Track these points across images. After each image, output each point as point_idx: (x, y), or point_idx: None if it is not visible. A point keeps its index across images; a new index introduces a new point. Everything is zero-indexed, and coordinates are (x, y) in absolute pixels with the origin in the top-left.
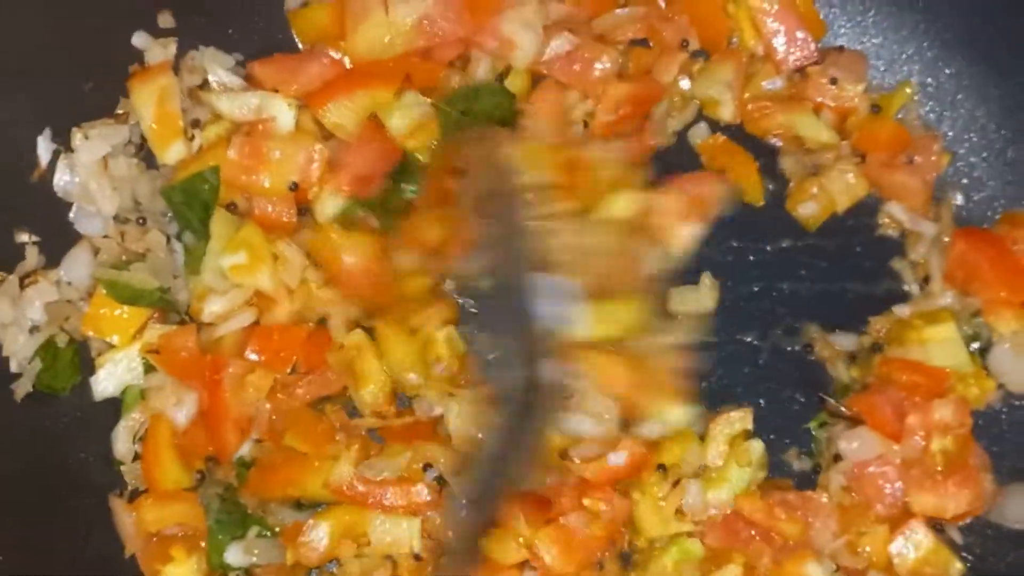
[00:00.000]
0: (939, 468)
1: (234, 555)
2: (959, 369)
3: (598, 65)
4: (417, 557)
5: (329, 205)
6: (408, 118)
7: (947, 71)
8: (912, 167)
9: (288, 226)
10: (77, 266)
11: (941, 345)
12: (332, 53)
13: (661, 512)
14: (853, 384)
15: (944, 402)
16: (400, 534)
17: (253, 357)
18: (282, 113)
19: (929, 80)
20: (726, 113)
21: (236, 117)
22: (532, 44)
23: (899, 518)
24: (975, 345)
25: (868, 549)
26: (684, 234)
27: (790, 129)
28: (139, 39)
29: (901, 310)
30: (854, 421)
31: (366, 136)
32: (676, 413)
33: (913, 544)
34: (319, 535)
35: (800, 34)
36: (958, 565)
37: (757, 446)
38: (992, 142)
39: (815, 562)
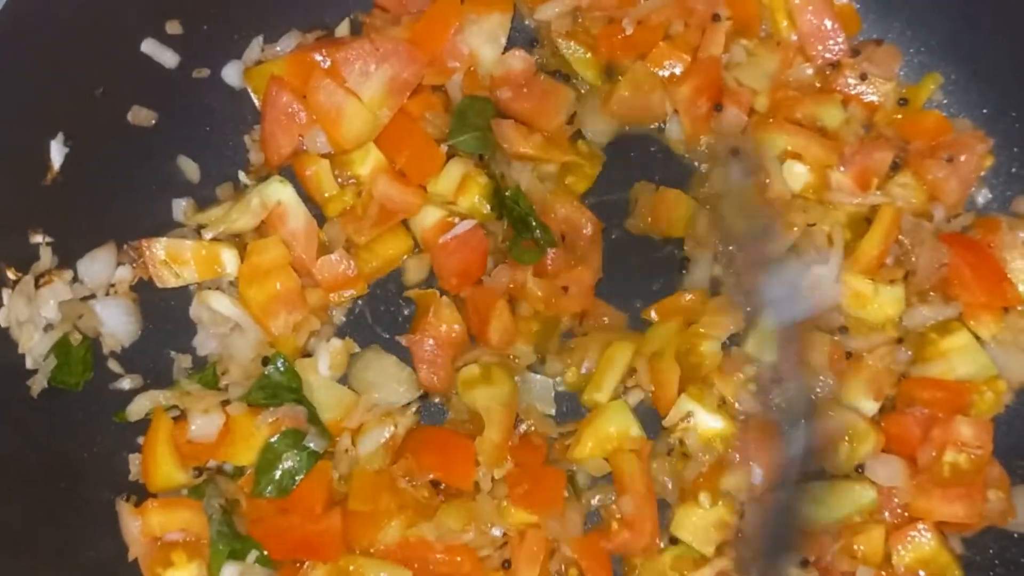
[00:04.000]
0: (946, 477)
1: (229, 575)
2: (982, 373)
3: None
4: None
5: None
6: (446, 185)
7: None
8: (952, 165)
9: None
10: (97, 265)
11: (961, 353)
12: None
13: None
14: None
15: (967, 420)
16: None
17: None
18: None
19: (917, 78)
20: (760, 104)
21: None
22: (493, 54)
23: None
24: None
25: (862, 548)
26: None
27: (815, 120)
28: (148, 46)
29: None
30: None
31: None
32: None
33: (918, 544)
34: None
35: (834, 28)
36: (957, 573)
37: None
38: None
39: None
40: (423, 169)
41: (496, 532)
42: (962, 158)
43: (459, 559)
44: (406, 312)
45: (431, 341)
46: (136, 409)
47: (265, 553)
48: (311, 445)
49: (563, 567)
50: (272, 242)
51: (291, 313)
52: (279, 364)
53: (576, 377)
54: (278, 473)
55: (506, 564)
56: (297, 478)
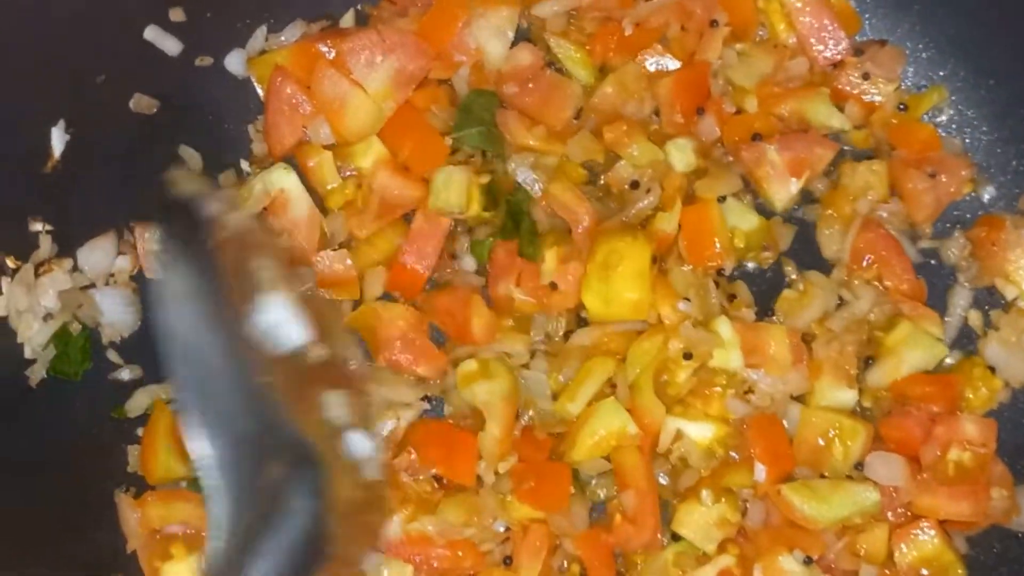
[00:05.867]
0: (950, 475)
1: None
2: (936, 358)
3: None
4: None
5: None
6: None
7: (940, 73)
8: (933, 181)
9: None
10: (97, 254)
11: (907, 344)
12: None
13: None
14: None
15: (971, 418)
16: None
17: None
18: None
19: (923, 83)
20: (751, 104)
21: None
22: (501, 48)
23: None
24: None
25: (865, 546)
26: (785, 190)
27: (801, 116)
28: (151, 33)
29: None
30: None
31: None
32: None
33: (921, 542)
34: None
35: (833, 29)
36: (960, 572)
37: None
38: (983, 144)
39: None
40: (426, 161)
41: (498, 527)
42: (943, 178)
43: (460, 554)
44: None
45: (399, 344)
46: (135, 405)
47: None
48: None
49: (565, 563)
50: None
51: None
52: None
53: (556, 385)
54: None
55: (508, 560)
56: None
